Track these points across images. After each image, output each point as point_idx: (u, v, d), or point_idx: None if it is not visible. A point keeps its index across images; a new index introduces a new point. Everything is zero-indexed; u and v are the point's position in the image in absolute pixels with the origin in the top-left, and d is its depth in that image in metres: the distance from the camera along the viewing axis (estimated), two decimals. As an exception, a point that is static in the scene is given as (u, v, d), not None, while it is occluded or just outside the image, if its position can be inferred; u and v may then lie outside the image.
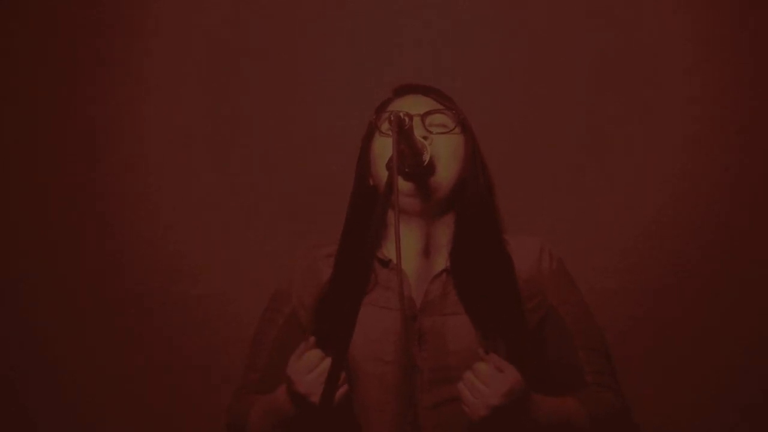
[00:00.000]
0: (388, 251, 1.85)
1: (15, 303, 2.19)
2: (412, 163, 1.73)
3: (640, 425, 2.00)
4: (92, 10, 2.21)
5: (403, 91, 1.92)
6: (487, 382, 1.62)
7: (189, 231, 2.17)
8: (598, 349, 1.86)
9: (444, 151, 1.81)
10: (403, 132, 1.62)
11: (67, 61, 2.21)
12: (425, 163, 1.74)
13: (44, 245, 2.19)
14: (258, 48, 2.18)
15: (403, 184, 1.77)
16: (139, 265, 2.17)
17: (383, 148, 1.80)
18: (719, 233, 2.04)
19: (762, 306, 2.01)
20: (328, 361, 1.64)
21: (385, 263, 1.84)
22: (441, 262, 1.82)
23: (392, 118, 1.60)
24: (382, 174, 1.76)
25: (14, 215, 2.21)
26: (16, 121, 2.22)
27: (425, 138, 1.77)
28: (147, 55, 2.21)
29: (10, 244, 2.20)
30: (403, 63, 2.13)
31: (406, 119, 1.61)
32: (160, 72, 2.21)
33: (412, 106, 1.81)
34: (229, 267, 2.15)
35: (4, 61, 2.23)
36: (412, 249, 1.83)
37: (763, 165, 2.03)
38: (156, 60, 2.21)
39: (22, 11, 2.23)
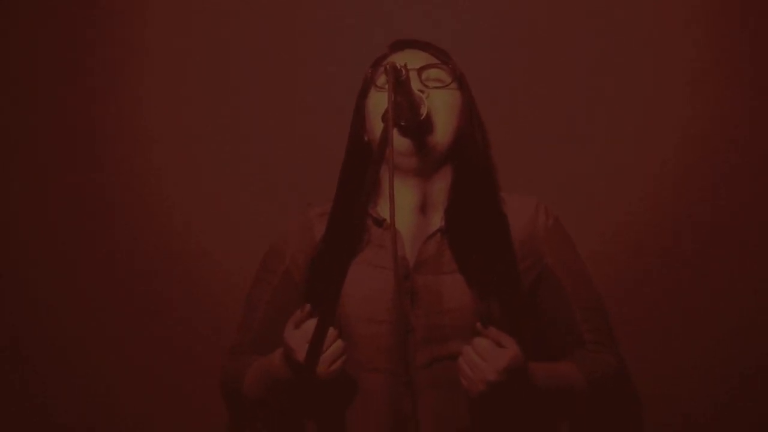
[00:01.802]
0: (383, 210, 1.82)
1: (18, 276, 2.19)
2: (409, 116, 1.69)
3: (638, 387, 1.99)
4: (92, 10, 2.19)
5: (399, 45, 1.88)
6: (486, 357, 1.60)
7: (183, 191, 2.16)
8: (595, 307, 1.85)
9: (441, 106, 1.77)
10: (399, 83, 1.58)
11: (65, 58, 2.20)
12: (422, 116, 1.70)
13: (42, 212, 2.18)
14: (254, 12, 2.16)
15: (400, 141, 1.73)
16: (132, 226, 2.16)
17: (379, 103, 1.76)
18: (722, 195, 2.02)
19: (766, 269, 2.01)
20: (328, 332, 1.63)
21: (379, 222, 1.81)
22: (437, 220, 1.80)
23: (388, 68, 1.56)
24: (377, 129, 1.70)
25: (17, 193, 2.20)
26: (18, 117, 2.21)
27: (422, 93, 1.74)
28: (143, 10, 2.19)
29: (16, 218, 2.19)
30: (400, 20, 2.10)
31: (403, 69, 1.57)
32: (156, 38, 2.18)
33: (409, 60, 1.74)
34: (223, 225, 2.13)
35: (3, 61, 2.21)
36: (407, 207, 1.80)
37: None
38: (151, 27, 2.19)
39: (22, 11, 2.21)
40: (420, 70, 1.78)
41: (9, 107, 2.20)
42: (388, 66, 1.57)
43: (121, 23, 2.18)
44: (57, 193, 2.18)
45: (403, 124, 1.70)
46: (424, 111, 1.70)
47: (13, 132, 2.20)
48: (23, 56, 2.20)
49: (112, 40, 2.18)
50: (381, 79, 1.79)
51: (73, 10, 2.19)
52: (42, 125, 2.19)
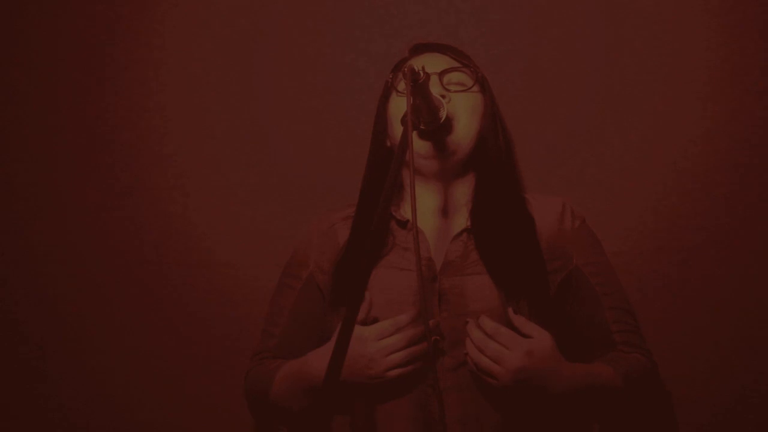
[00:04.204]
0: (406, 212, 1.82)
1: (37, 277, 2.19)
2: (428, 119, 1.68)
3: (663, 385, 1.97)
4: (106, 5, 2.21)
5: (419, 49, 1.88)
6: (507, 343, 1.62)
7: (205, 199, 2.16)
8: (625, 308, 1.83)
9: (462, 110, 1.77)
10: (417, 85, 1.58)
11: (79, 51, 2.21)
12: (441, 120, 1.70)
13: (62, 216, 2.19)
14: (272, 16, 2.16)
15: (420, 144, 1.73)
16: (156, 235, 2.17)
17: (399, 107, 1.76)
18: (742, 193, 2.00)
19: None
20: (387, 340, 1.66)
21: (403, 224, 1.81)
22: (461, 222, 1.79)
23: (406, 71, 1.56)
24: (398, 134, 1.70)
25: (34, 200, 2.21)
26: (36, 122, 2.22)
27: (443, 97, 1.74)
28: (160, 22, 2.20)
29: (35, 225, 2.20)
30: (418, 22, 2.10)
31: (421, 72, 1.56)
32: (176, 38, 2.19)
33: (429, 64, 1.76)
34: (245, 233, 2.13)
35: (24, 57, 2.22)
36: (431, 209, 1.80)
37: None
38: (171, 24, 2.19)
39: (37, 6, 2.22)
40: (441, 74, 1.78)
41: (25, 110, 2.21)
42: (406, 69, 1.56)
43: (136, 31, 2.19)
44: (76, 201, 2.18)
45: (422, 127, 1.70)
46: (443, 114, 1.69)
47: (31, 137, 2.21)
48: (39, 56, 2.21)
49: (130, 47, 2.19)
50: (401, 84, 1.79)
51: (90, 7, 2.20)
52: (61, 132, 2.20)
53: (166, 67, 2.19)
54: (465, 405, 1.68)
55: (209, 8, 2.18)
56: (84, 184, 2.19)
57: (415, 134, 1.68)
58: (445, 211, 1.80)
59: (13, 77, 2.22)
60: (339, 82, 2.13)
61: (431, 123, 1.69)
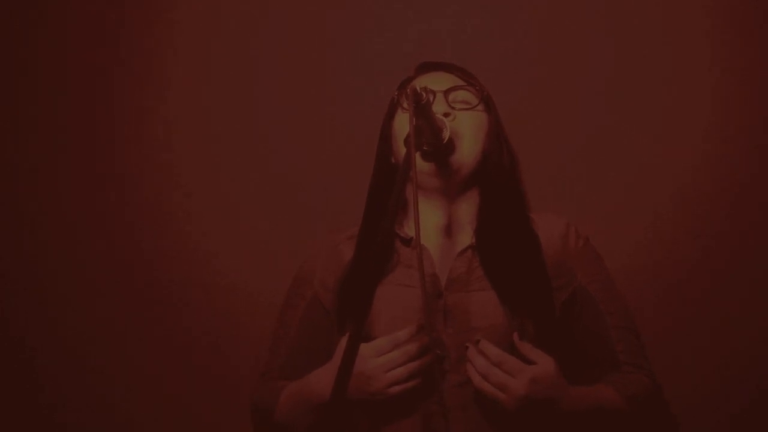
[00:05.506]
0: (410, 229, 1.83)
1: (40, 294, 2.20)
2: (431, 140, 1.69)
3: (668, 400, 1.96)
4: (114, 12, 2.22)
5: (425, 68, 1.89)
6: (511, 371, 1.62)
7: (210, 220, 2.16)
8: (629, 327, 1.83)
9: (467, 128, 1.78)
10: (420, 106, 1.59)
11: (84, 55, 2.22)
12: (444, 140, 1.71)
13: (70, 236, 2.19)
14: (280, 32, 2.17)
15: (423, 164, 1.74)
16: (160, 255, 2.17)
17: (404, 125, 1.77)
18: (747, 205, 2.00)
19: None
20: (386, 356, 1.66)
21: (407, 241, 1.82)
22: (465, 239, 1.80)
23: (409, 92, 1.57)
24: (402, 151, 1.73)
25: (40, 207, 2.22)
26: (44, 131, 2.23)
27: (448, 115, 1.75)
28: (170, 28, 2.21)
29: (38, 236, 2.21)
30: (425, 41, 2.11)
31: (423, 93, 1.58)
32: (184, 55, 2.20)
33: (435, 82, 1.78)
34: (249, 254, 2.14)
35: (29, 59, 2.23)
36: (435, 227, 1.81)
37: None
38: (179, 38, 2.21)
39: (43, 12, 2.24)
40: (446, 92, 1.80)
41: (28, 113, 2.21)
42: (408, 90, 1.58)
43: (143, 38, 2.20)
44: (82, 221, 2.19)
45: (425, 148, 1.71)
46: (446, 135, 1.70)
47: (34, 142, 2.21)
48: (44, 58, 2.22)
49: (134, 36, 2.20)
50: (407, 102, 1.80)
51: (96, 10, 2.21)
52: (65, 142, 2.21)
53: (172, 83, 2.19)
54: (470, 422, 1.68)
55: (218, 19, 2.19)
56: (87, 209, 2.19)
57: (418, 155, 1.68)
58: (448, 229, 1.81)
59: (17, 80, 2.23)
60: (345, 99, 2.13)
61: (434, 144, 1.70)
